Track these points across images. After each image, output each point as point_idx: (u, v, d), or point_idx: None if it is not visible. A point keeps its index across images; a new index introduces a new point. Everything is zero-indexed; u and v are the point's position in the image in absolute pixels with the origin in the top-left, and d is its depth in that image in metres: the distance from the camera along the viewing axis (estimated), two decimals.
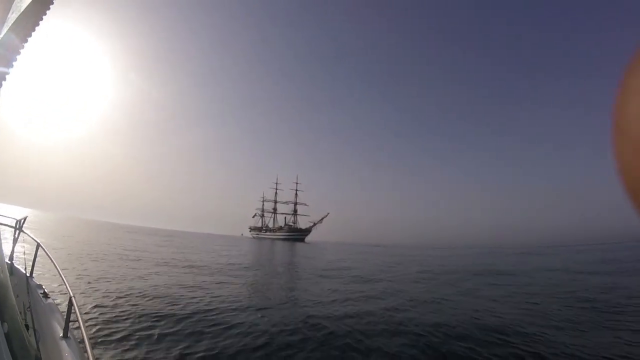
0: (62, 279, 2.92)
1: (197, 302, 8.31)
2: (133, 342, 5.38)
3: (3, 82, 1.17)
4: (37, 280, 4.01)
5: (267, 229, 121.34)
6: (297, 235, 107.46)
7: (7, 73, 1.14)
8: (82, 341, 1.88)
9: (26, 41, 1.07)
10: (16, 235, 4.27)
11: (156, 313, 7.00)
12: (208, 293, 9.67)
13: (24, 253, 4.30)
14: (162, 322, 6.45)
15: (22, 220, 4.48)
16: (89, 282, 9.72)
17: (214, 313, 7.42)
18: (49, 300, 3.42)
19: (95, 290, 8.83)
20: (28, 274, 3.91)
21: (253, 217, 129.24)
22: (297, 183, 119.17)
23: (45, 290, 3.65)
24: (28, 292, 3.30)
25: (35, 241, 3.97)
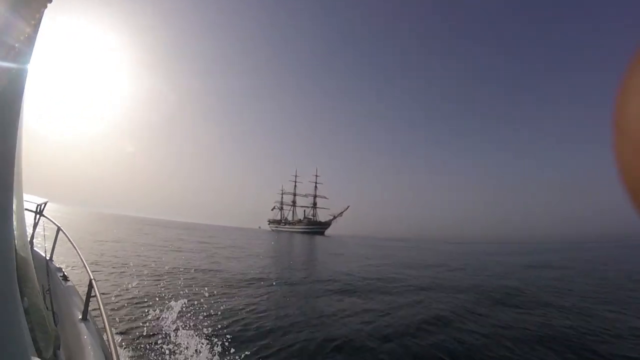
0: (83, 261, 2.93)
1: (232, 326, 6.30)
2: None
3: (26, 78, 1.15)
4: (57, 263, 4.09)
5: (286, 222, 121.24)
6: (316, 228, 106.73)
7: (26, 70, 1.12)
8: (102, 323, 1.89)
9: (39, 37, 1.05)
10: (36, 220, 4.23)
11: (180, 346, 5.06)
12: (243, 307, 7.56)
13: (44, 237, 4.22)
14: None
15: (43, 205, 4.42)
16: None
17: (260, 341, 5.70)
18: (69, 283, 3.47)
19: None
20: (48, 258, 3.95)
21: (272, 209, 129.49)
22: (316, 176, 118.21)
23: (65, 273, 3.69)
24: (48, 275, 3.31)
25: (56, 225, 4.03)
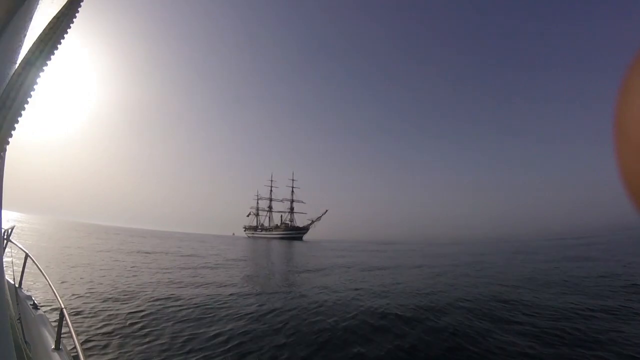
0: (52, 290, 2.86)
1: None
2: None
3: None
4: (26, 291, 3.94)
5: (263, 228, 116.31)
6: (294, 233, 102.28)
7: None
8: (75, 353, 1.91)
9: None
10: (4, 245, 3.99)
11: None
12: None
13: (12, 263, 3.99)
14: None
15: (10, 230, 4.42)
16: None
17: None
18: (39, 312, 3.37)
19: None
20: (17, 285, 3.85)
21: (247, 215, 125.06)
22: (293, 180, 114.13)
23: (35, 302, 3.58)
24: (17, 304, 3.23)
25: (24, 251, 3.92)
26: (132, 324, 6.37)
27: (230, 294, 9.38)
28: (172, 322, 6.57)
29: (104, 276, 11.74)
